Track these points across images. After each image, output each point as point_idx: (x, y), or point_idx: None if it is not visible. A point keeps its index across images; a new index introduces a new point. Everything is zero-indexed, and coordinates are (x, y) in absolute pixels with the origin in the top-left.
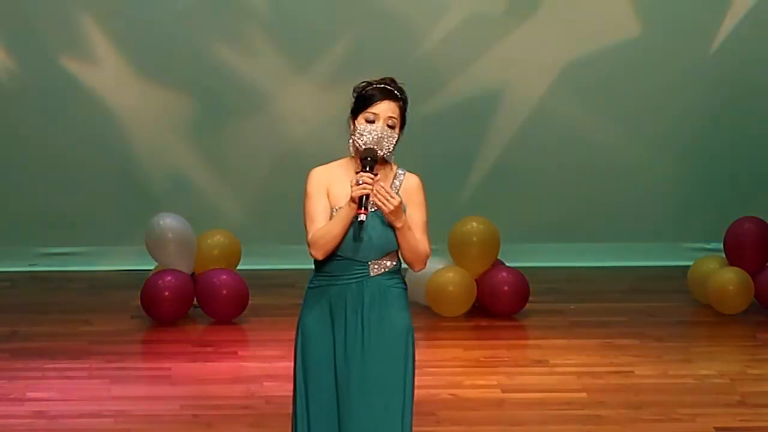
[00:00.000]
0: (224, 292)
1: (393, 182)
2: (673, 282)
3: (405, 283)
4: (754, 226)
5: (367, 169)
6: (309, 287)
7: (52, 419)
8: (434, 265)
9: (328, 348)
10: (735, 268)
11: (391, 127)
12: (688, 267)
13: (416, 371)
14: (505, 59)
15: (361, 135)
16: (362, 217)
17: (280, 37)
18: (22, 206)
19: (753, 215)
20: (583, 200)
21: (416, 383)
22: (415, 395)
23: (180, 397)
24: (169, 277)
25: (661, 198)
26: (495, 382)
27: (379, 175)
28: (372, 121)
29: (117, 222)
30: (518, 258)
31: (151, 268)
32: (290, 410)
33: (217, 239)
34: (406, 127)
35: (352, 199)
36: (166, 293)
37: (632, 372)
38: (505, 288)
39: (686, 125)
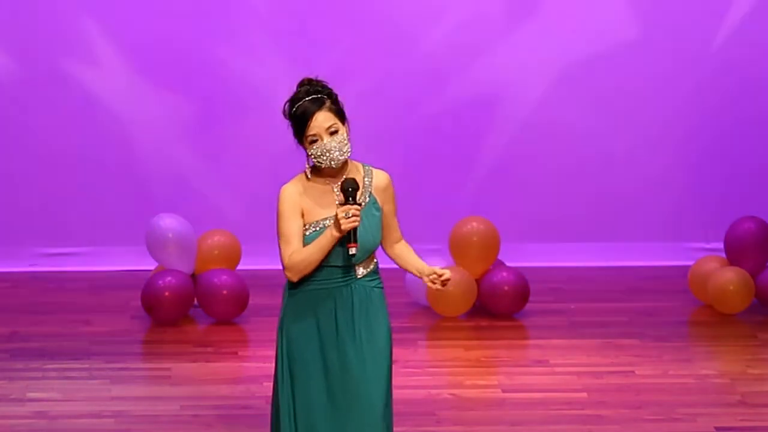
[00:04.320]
0: (224, 292)
1: (364, 182)
2: (673, 282)
3: (382, 282)
4: (755, 226)
5: (350, 200)
6: (291, 292)
7: (53, 420)
8: (435, 265)
9: (315, 352)
10: (735, 268)
11: (335, 132)
12: (688, 267)
13: (416, 371)
14: (505, 60)
15: (317, 158)
16: (353, 251)
17: (280, 38)
18: (23, 206)
19: (753, 215)
20: (583, 200)
21: (416, 383)
22: (415, 395)
23: (180, 397)
24: (169, 278)
25: (661, 198)
26: (495, 382)
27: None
28: (316, 141)
29: (117, 222)
30: (518, 258)
31: (152, 268)
32: None
33: (217, 239)
34: (347, 120)
35: (338, 230)
36: (167, 293)
37: (633, 372)
38: (506, 288)
39: (686, 125)
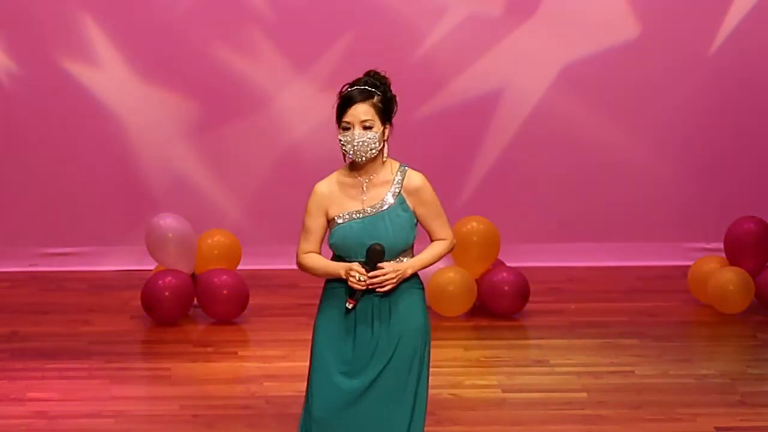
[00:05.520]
0: (224, 292)
1: (393, 181)
2: (673, 282)
3: (421, 282)
4: (755, 226)
5: (369, 266)
6: (325, 286)
7: (53, 419)
8: (435, 265)
9: (338, 348)
10: (735, 268)
11: (368, 128)
12: (688, 267)
13: None
14: (505, 59)
15: (343, 146)
16: (349, 306)
17: (280, 38)
18: (23, 206)
19: (753, 215)
20: (583, 200)
21: None
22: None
23: (180, 397)
24: (169, 277)
25: (661, 198)
26: (495, 382)
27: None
28: (348, 129)
29: (117, 222)
30: (518, 258)
31: (152, 268)
32: (291, 411)
33: (217, 239)
34: (394, 116)
35: (345, 276)
36: (167, 293)
37: (632, 372)
38: (506, 288)
39: (686, 125)
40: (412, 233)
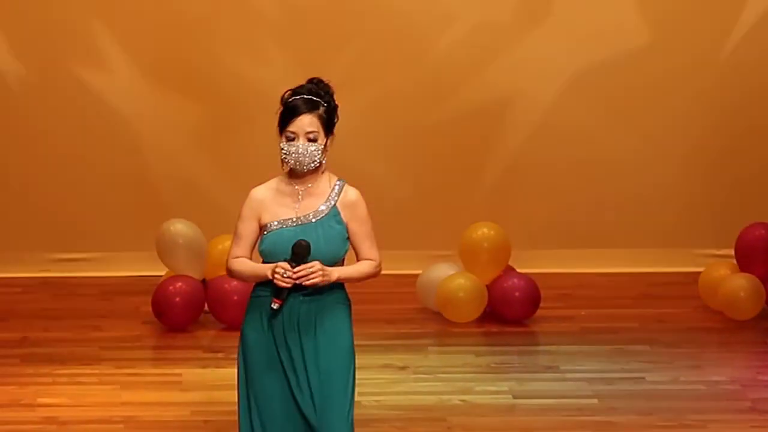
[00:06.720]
0: (235, 297)
1: (330, 193)
2: (684, 288)
3: (348, 299)
4: (766, 232)
5: (294, 263)
6: (251, 296)
7: (63, 425)
8: (445, 271)
9: (270, 355)
10: (746, 274)
11: (313, 141)
12: (699, 273)
13: (427, 377)
14: (515, 66)
15: (286, 156)
16: (275, 306)
17: (290, 44)
18: (34, 212)
19: (764, 221)
20: (594, 206)
21: (427, 389)
22: (425, 401)
23: (191, 403)
24: (179, 283)
25: (671, 204)
26: (506, 388)
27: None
28: (292, 139)
29: (128, 228)
30: (529, 264)
31: (162, 273)
32: None
33: (227, 245)
34: (334, 128)
35: (271, 276)
36: (177, 299)
37: (643, 378)
38: (516, 294)
39: (697, 131)
40: (343, 246)
